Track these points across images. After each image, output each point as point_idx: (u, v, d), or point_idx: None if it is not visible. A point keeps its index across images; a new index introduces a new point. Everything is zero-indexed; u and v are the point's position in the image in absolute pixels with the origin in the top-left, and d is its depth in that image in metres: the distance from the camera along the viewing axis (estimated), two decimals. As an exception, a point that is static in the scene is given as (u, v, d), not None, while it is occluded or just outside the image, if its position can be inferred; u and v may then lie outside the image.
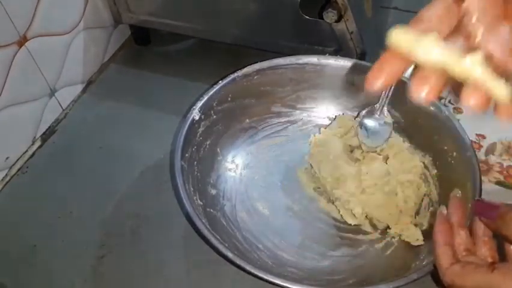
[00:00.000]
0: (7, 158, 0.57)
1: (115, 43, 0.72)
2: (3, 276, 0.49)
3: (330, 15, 0.52)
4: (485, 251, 0.34)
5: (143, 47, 0.74)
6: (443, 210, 0.37)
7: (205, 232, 0.41)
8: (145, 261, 0.50)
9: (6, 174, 0.57)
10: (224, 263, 0.41)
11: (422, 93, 0.27)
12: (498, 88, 0.26)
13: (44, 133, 0.62)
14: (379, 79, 0.28)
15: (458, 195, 0.38)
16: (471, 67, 0.26)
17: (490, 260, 0.34)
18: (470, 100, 0.26)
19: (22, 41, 0.54)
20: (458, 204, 0.37)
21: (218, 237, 0.42)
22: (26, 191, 0.56)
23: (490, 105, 0.29)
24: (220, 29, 0.63)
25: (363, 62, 0.54)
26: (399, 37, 0.27)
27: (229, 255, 0.40)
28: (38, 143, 0.61)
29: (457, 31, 0.28)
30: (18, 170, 0.58)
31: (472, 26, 0.28)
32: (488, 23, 0.28)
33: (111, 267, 0.49)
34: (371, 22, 0.64)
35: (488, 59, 0.27)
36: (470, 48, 0.28)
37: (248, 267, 0.39)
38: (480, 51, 0.27)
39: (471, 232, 0.35)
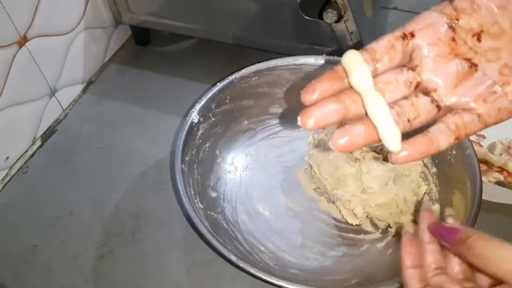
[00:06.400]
0: (7, 158, 0.57)
1: (115, 43, 0.72)
2: (3, 276, 0.49)
3: (330, 16, 0.52)
4: (455, 266, 0.32)
5: (143, 47, 0.74)
6: (409, 229, 0.35)
7: (208, 236, 0.41)
8: (145, 261, 0.50)
9: (6, 174, 0.57)
10: (224, 263, 0.41)
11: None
12: (389, 137, 0.27)
13: (44, 133, 0.62)
14: (312, 93, 0.28)
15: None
16: (373, 104, 0.28)
17: (461, 276, 0.32)
18: (338, 140, 0.27)
19: (22, 41, 0.54)
20: (429, 219, 0.34)
21: (221, 240, 0.42)
22: (26, 191, 0.56)
23: (353, 150, 0.33)
24: (220, 29, 0.63)
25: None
26: (349, 58, 0.29)
27: (233, 258, 0.40)
28: (38, 143, 0.61)
29: (403, 65, 0.30)
30: (18, 170, 0.58)
31: (420, 60, 0.29)
32: (435, 58, 0.29)
33: (111, 267, 0.49)
34: (371, 22, 0.64)
35: (432, 92, 0.29)
36: (414, 82, 0.29)
37: (253, 271, 0.39)
38: (382, 95, 0.28)
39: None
